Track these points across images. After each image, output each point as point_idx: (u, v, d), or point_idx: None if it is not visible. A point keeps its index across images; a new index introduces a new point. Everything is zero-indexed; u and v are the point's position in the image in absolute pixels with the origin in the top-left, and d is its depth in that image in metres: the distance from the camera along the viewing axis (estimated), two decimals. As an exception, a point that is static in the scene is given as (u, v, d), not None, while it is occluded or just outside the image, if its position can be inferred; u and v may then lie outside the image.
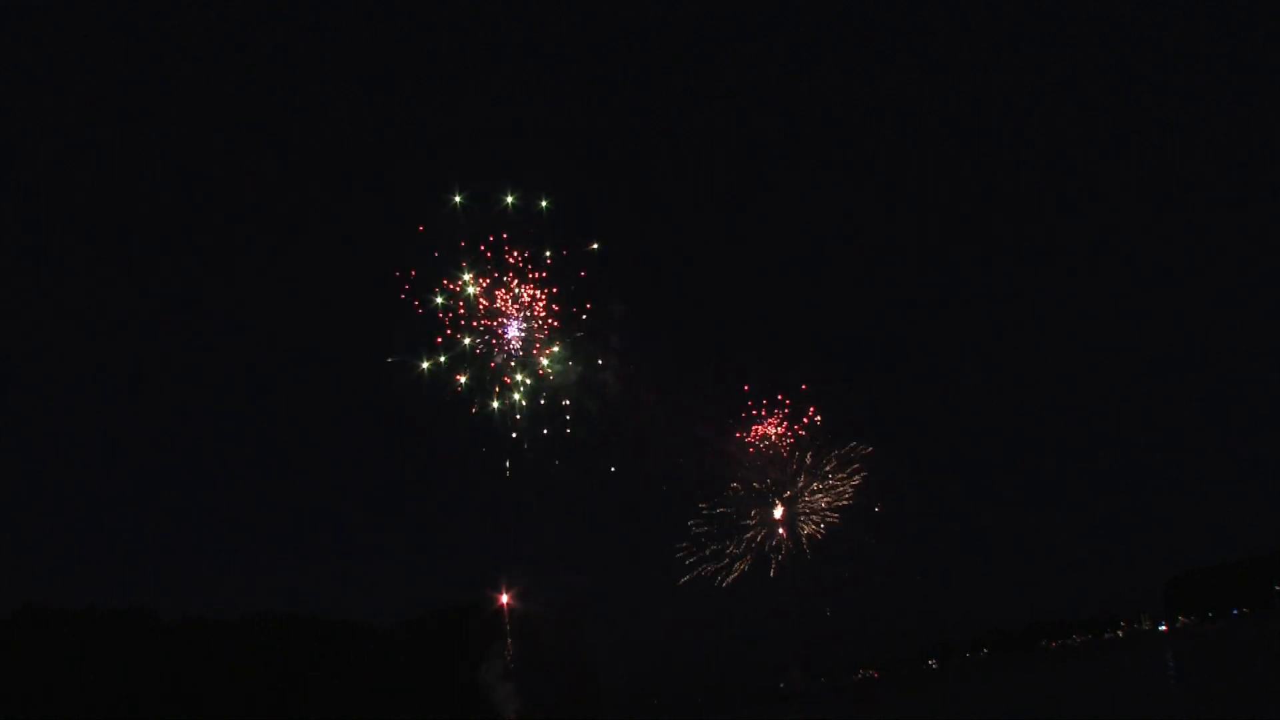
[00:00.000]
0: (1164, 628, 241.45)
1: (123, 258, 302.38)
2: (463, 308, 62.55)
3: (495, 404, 63.71)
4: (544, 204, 60.92)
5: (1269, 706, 32.69)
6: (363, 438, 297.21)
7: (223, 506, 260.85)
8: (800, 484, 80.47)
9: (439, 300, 62.24)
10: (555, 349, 63.70)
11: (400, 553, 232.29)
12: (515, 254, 62.69)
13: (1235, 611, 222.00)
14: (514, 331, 63.12)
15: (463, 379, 62.87)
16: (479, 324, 63.35)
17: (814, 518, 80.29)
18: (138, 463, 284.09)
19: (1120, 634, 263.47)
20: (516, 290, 63.11)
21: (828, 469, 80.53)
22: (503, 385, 64.15)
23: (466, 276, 61.99)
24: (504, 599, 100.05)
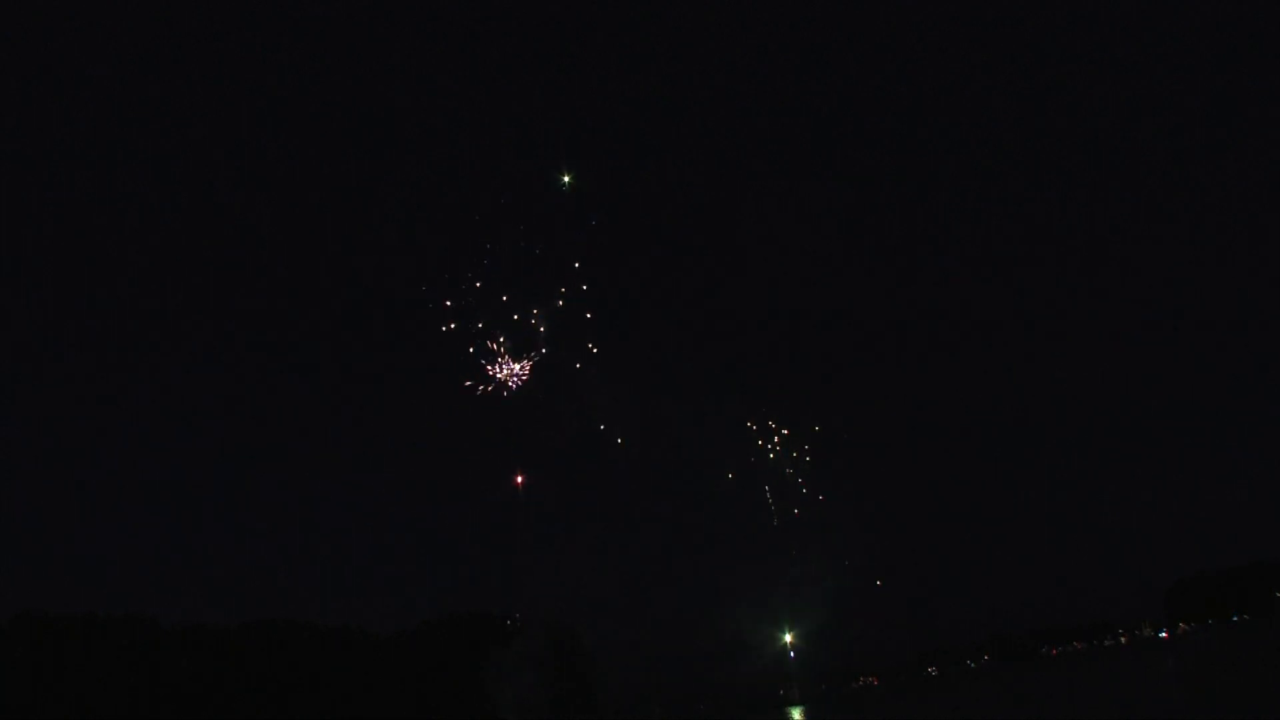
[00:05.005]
0: (1164, 634, 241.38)
1: (125, 263, 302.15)
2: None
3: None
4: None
5: (1270, 713, 32.68)
6: (364, 447, 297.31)
7: (223, 513, 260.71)
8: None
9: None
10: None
11: (401, 560, 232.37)
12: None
13: (1235, 618, 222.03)
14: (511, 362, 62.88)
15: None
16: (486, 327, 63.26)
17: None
18: (137, 469, 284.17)
19: (1121, 640, 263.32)
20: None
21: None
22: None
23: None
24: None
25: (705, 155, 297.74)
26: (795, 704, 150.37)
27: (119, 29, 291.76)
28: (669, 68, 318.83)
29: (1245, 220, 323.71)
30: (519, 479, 68.16)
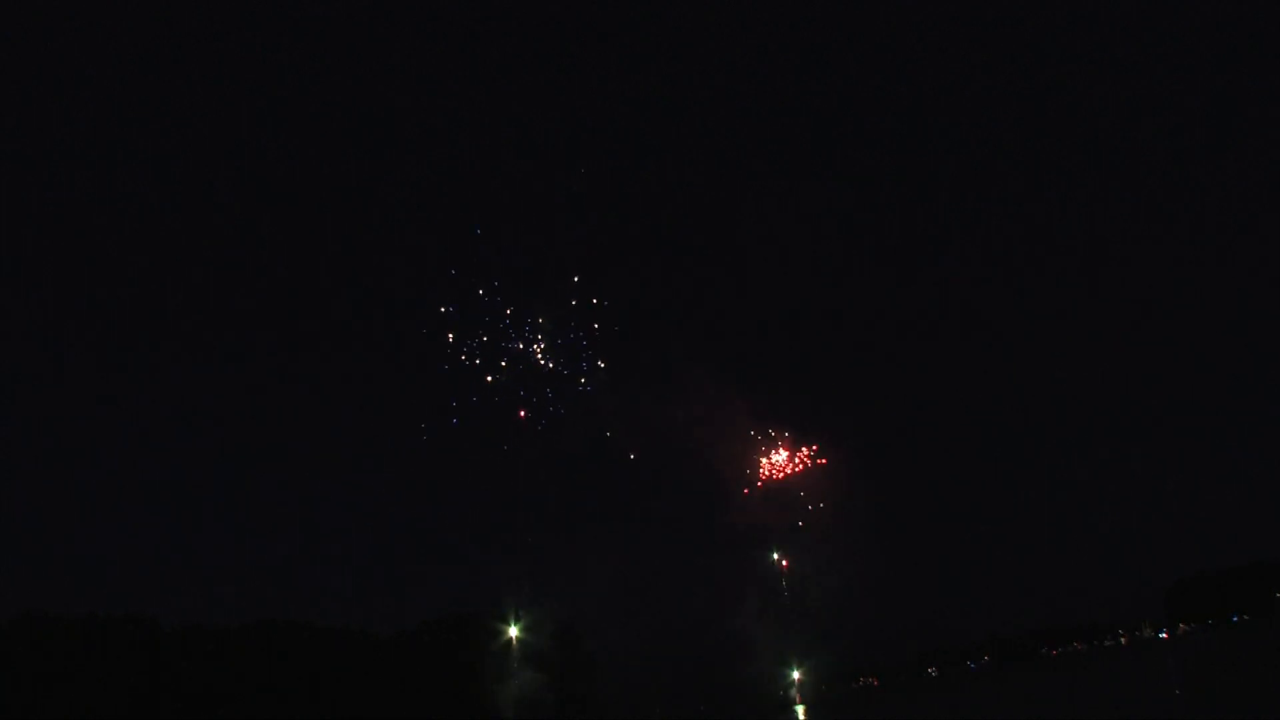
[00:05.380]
0: (1164, 635, 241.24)
1: (125, 263, 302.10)
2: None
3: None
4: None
5: (1270, 714, 32.75)
6: (364, 448, 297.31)
7: (223, 513, 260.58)
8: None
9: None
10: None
11: (401, 560, 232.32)
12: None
13: (1235, 618, 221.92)
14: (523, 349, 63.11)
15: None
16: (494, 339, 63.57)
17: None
18: (137, 469, 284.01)
19: (1121, 641, 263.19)
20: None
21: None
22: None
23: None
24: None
25: (705, 155, 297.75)
26: (795, 705, 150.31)
27: (119, 29, 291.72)
28: (669, 68, 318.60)
29: (1245, 220, 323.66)
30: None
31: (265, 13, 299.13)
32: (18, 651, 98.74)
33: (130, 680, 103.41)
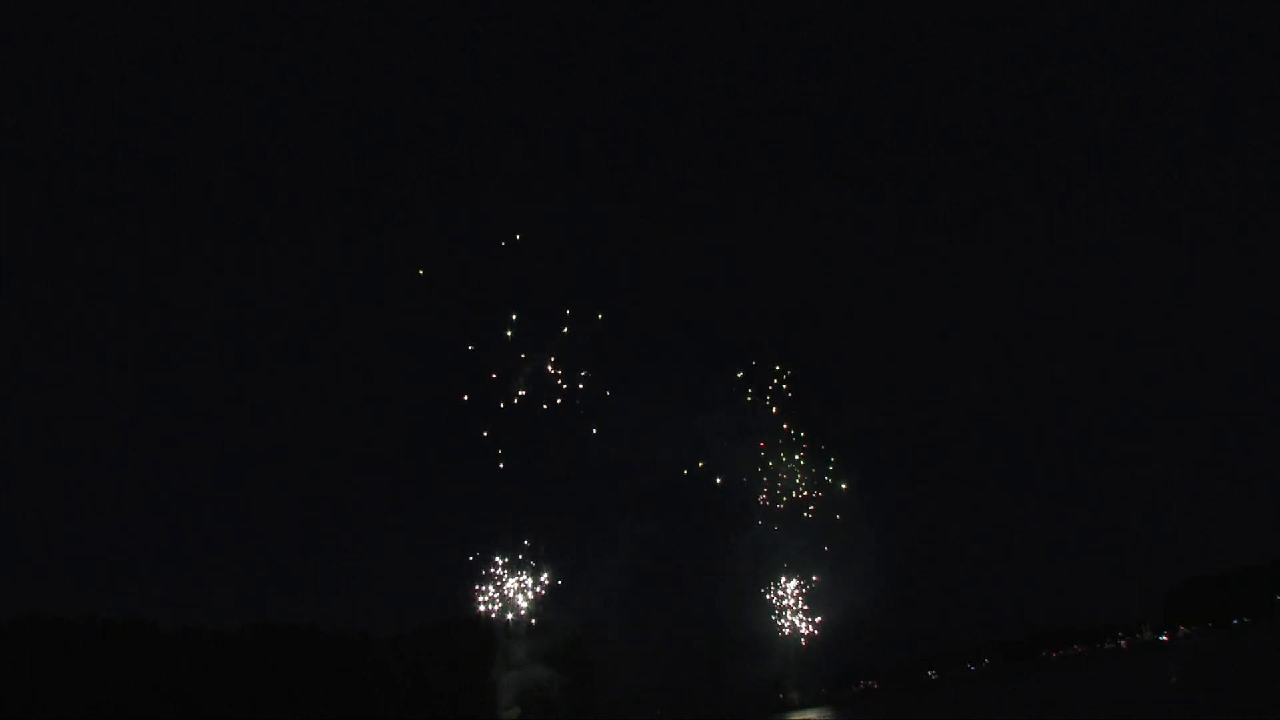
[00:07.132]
0: (1164, 638, 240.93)
1: (125, 263, 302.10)
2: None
3: None
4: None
5: (1270, 716, 32.74)
6: (363, 450, 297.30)
7: (223, 517, 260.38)
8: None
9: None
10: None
11: (401, 562, 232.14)
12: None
13: (1235, 621, 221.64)
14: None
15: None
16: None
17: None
18: (137, 469, 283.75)
19: (1122, 644, 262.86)
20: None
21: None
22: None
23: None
24: (514, 633, 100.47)
25: (705, 155, 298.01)
26: (796, 707, 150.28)
27: (119, 29, 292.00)
28: (669, 68, 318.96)
29: (1245, 220, 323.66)
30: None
31: (265, 13, 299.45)
32: (18, 652, 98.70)
33: (129, 683, 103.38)
